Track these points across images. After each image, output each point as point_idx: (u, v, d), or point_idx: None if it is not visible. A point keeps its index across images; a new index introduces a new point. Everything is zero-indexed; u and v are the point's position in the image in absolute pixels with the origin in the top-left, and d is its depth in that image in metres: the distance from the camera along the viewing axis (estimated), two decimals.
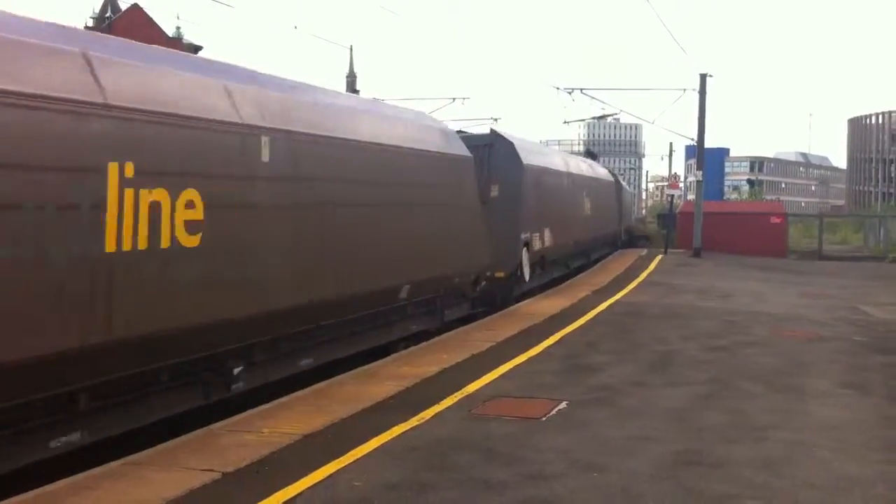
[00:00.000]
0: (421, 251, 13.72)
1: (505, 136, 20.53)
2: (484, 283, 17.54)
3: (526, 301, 19.28)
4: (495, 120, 39.16)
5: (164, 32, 55.89)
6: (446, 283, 15.32)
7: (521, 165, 19.97)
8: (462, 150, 16.36)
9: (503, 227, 18.79)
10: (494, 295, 18.92)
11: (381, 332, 13.25)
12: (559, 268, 25.46)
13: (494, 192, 19.35)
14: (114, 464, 7.29)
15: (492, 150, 19.78)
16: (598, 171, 36.73)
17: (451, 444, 7.82)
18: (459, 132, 18.97)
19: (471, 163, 16.66)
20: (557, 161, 26.28)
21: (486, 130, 29.72)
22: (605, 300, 19.01)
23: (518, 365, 11.58)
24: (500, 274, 18.76)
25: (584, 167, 31.47)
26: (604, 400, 9.61)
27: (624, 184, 51.54)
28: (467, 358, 12.03)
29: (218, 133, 8.97)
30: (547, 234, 22.22)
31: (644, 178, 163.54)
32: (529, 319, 15.98)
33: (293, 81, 11.64)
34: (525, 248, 20.07)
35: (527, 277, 20.38)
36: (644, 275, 25.77)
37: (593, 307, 17.76)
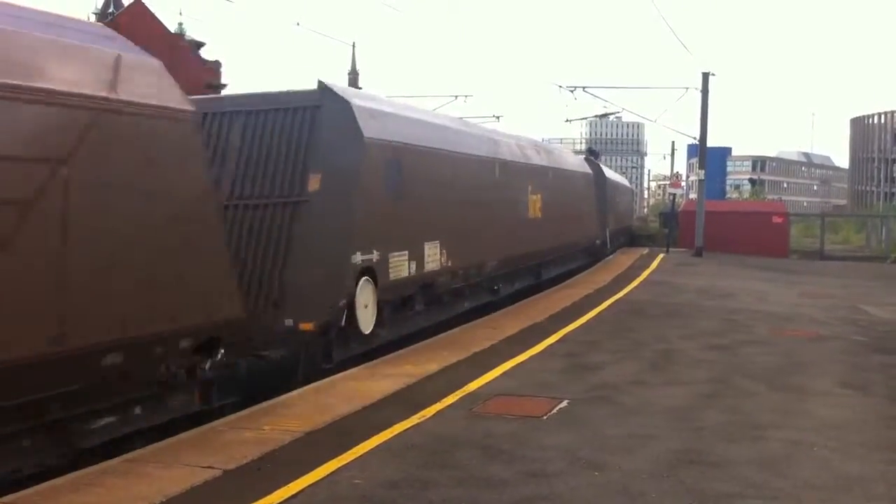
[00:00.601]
0: None
1: (339, 93, 12.42)
2: (223, 353, 9.24)
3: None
4: (497, 118, 39.04)
5: (166, 28, 55.90)
6: (77, 367, 7.43)
7: (359, 141, 12.11)
8: (170, 97, 8.62)
9: (320, 244, 11.58)
10: (297, 364, 11.52)
11: None
12: (478, 296, 18.08)
13: (315, 183, 11.80)
14: (115, 460, 7.32)
15: (317, 116, 12.13)
16: (563, 158, 27.92)
17: (452, 442, 7.84)
18: (287, 93, 12.46)
19: (185, 127, 8.81)
20: (461, 138, 17.24)
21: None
22: (606, 299, 19.01)
23: (520, 363, 11.59)
24: (308, 326, 11.26)
25: (531, 152, 22.64)
26: (605, 398, 9.62)
27: (615, 177, 44.52)
28: (469, 356, 12.04)
29: None
30: (433, 251, 14.63)
31: (646, 177, 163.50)
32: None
33: None
34: (366, 279, 12.16)
35: (367, 328, 12.22)
36: (646, 274, 25.77)
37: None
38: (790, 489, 6.69)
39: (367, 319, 12.24)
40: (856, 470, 7.20)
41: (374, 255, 12.47)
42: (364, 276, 12.14)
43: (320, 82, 12.49)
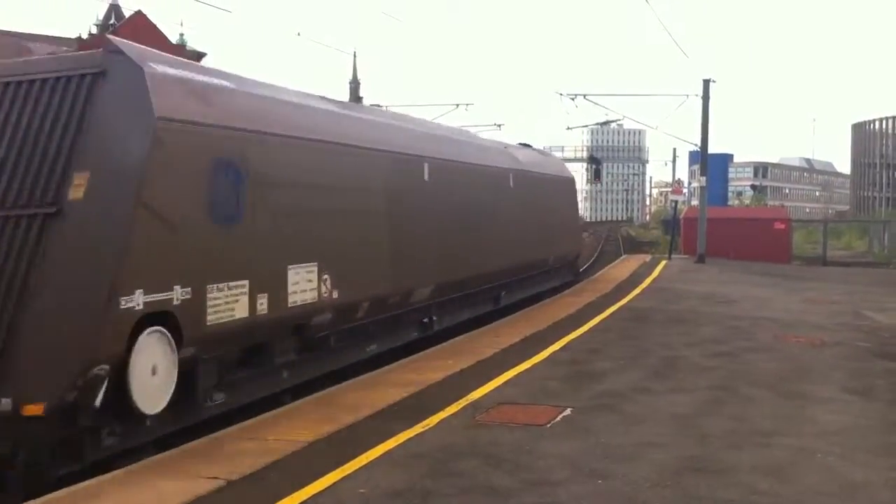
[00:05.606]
0: None
1: (130, 54, 8.46)
2: None
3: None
4: (499, 126, 39.08)
5: (167, 39, 56.01)
6: None
7: (151, 124, 8.18)
8: None
9: (71, 278, 7.76)
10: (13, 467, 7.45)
11: None
12: (399, 333, 14.13)
13: (78, 188, 7.99)
14: (118, 472, 7.31)
15: (97, 87, 8.31)
16: (534, 159, 23.37)
17: (456, 450, 7.83)
18: (62, 57, 8.95)
19: None
20: (365, 129, 13.06)
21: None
22: (609, 306, 18.99)
23: (523, 371, 11.57)
24: (35, 410, 7.28)
25: (479, 151, 18.78)
26: (608, 406, 9.60)
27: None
28: (472, 364, 12.04)
29: None
30: (307, 278, 10.61)
31: (648, 184, 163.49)
32: None
33: None
34: (155, 329, 8.10)
35: (152, 404, 8.09)
36: (648, 281, 25.76)
37: None
38: (795, 496, 6.68)
39: (152, 392, 8.02)
40: (860, 476, 7.18)
41: (177, 293, 8.39)
42: (152, 325, 8.02)
43: (107, 39, 8.79)
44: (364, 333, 12.87)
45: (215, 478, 7.00)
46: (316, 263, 10.86)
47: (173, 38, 58.97)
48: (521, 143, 25.35)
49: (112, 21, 62.44)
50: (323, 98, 12.62)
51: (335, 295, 11.24)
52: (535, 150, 25.42)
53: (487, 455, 7.68)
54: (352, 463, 7.39)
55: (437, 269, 14.89)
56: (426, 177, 14.63)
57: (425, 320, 15.21)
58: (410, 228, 13.79)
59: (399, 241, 13.29)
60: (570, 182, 27.18)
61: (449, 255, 15.40)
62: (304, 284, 10.62)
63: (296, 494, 6.61)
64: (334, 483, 6.91)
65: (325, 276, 11.01)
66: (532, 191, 21.37)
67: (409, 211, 13.83)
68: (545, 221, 22.51)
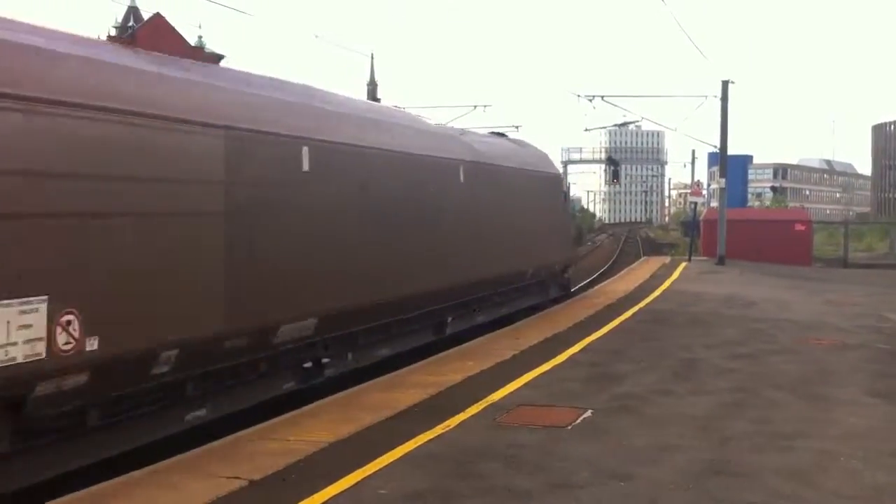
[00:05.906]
0: None
1: None
2: None
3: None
4: (517, 128, 38.96)
5: (186, 41, 56.33)
6: None
7: None
8: None
9: None
10: None
11: None
12: (270, 382, 10.46)
13: None
14: (139, 472, 7.34)
15: None
16: (478, 149, 17.22)
17: (476, 452, 7.82)
18: None
19: None
20: (186, 92, 9.60)
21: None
22: (629, 308, 18.93)
23: (543, 373, 11.55)
24: None
25: (405, 134, 14.17)
26: (629, 408, 9.57)
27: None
28: (492, 366, 12.02)
29: None
30: (24, 318, 6.68)
31: (667, 186, 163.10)
32: None
33: None
34: None
35: None
36: (668, 283, 25.68)
37: None
38: (819, 499, 6.63)
39: None
40: (884, 479, 7.12)
41: None
42: None
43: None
44: (177, 396, 8.90)
45: (237, 477, 7.02)
46: (45, 297, 6.89)
47: (192, 41, 59.33)
48: (492, 132, 21.57)
49: (131, 23, 62.82)
50: (111, 44, 8.89)
51: (92, 345, 7.31)
52: (508, 139, 21.56)
53: (508, 457, 7.67)
54: (373, 464, 7.40)
55: (326, 292, 10.87)
56: (306, 166, 10.63)
57: (307, 365, 11.19)
58: (273, 237, 9.86)
59: (247, 256, 9.40)
60: (556, 179, 22.77)
61: (350, 272, 11.42)
62: (12, 334, 6.62)
63: (316, 495, 6.61)
64: (356, 483, 6.91)
65: (69, 317, 7.12)
66: (497, 188, 17.30)
67: (273, 213, 9.89)
68: (518, 225, 18.35)
